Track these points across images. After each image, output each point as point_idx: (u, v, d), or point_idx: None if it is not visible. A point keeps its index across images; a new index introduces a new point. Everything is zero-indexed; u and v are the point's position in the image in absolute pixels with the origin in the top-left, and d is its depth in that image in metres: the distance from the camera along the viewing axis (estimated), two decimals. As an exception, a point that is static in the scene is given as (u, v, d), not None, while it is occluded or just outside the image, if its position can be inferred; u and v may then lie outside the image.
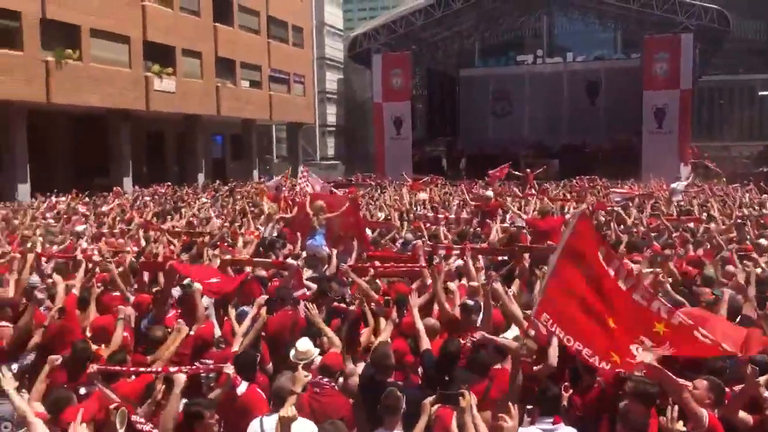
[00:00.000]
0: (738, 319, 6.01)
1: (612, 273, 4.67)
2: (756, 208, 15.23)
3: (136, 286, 7.92)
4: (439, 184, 25.43)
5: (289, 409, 4.10)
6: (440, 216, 13.62)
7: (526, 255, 8.39)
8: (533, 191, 19.58)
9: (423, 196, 18.61)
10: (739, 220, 12.24)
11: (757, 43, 54.08)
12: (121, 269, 7.86)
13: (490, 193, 15.19)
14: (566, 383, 5.28)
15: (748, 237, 10.39)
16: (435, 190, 21.83)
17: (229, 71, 36.27)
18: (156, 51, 30.64)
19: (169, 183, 27.36)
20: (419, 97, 39.41)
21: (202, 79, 33.95)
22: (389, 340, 5.65)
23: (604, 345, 4.58)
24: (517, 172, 22.96)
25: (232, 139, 41.26)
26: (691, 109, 33.52)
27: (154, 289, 7.55)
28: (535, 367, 4.84)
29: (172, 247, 10.02)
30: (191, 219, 14.19)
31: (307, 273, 8.14)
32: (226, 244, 10.00)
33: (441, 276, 6.67)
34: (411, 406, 4.47)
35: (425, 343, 5.49)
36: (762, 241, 9.82)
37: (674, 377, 4.41)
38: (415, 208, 15.59)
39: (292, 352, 5.40)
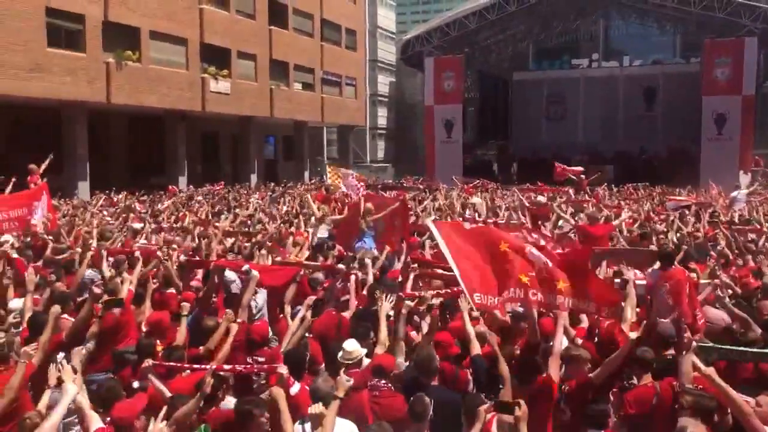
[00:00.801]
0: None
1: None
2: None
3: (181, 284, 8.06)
4: (489, 189, 25.24)
5: (316, 407, 4.12)
6: (489, 221, 13.47)
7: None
8: (586, 197, 19.27)
9: (476, 200, 18.42)
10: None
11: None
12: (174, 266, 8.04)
13: (542, 198, 14.99)
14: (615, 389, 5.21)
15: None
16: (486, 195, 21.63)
17: (282, 73, 36.75)
18: (212, 53, 31.25)
19: (223, 182, 27.86)
20: (471, 100, 39.17)
21: (256, 81, 34.46)
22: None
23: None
24: (573, 176, 22.57)
25: (284, 140, 41.80)
26: (754, 115, 32.37)
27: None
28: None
29: (223, 246, 10.17)
30: (245, 219, 14.42)
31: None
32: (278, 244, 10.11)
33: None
34: (452, 409, 4.44)
35: (476, 348, 5.46)
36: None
37: (734, 392, 4.26)
38: (465, 212, 15.48)
39: (340, 353, 5.44)
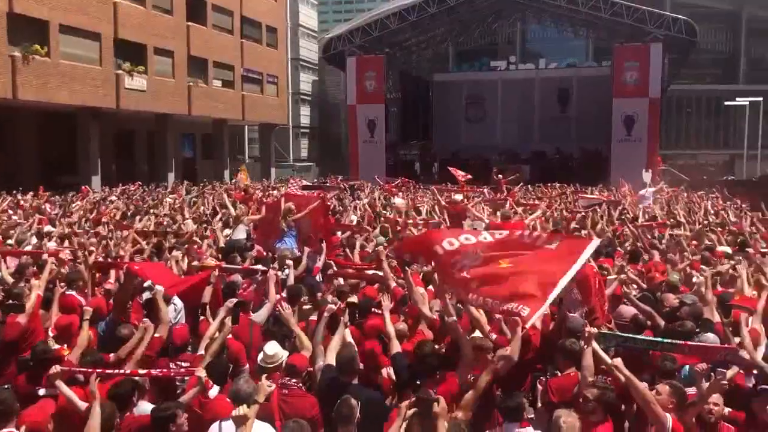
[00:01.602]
0: (699, 323, 6.16)
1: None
2: (714, 216, 15.51)
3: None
4: (411, 188, 25.55)
5: (240, 409, 4.11)
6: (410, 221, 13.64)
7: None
8: (502, 196, 19.75)
9: (398, 201, 18.58)
10: (702, 227, 12.51)
11: (723, 54, 55.27)
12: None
13: (459, 196, 15.29)
14: (541, 377, 5.42)
15: (711, 243, 10.61)
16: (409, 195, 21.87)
17: (201, 70, 36.03)
18: (127, 49, 30.30)
19: (140, 182, 27.05)
20: (393, 100, 39.46)
21: (174, 77, 33.65)
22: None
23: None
24: (499, 176, 23.12)
25: (203, 138, 40.96)
26: (659, 117, 34.01)
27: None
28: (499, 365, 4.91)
29: (138, 247, 9.90)
30: (161, 219, 14.05)
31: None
32: (195, 246, 9.92)
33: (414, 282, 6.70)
34: (373, 407, 4.49)
35: (396, 347, 5.53)
36: (724, 248, 10.04)
37: (638, 381, 4.49)
38: (386, 212, 15.62)
39: (260, 356, 5.40)
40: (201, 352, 5.58)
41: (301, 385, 5.07)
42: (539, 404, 5.64)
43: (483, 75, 43.78)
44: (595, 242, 5.58)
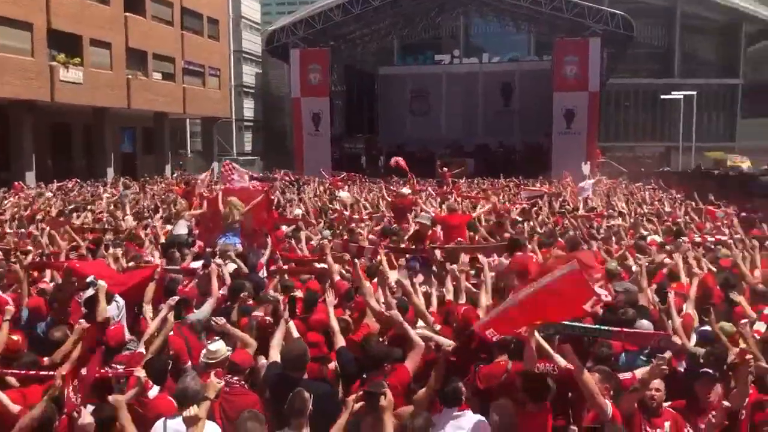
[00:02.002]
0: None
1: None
2: (650, 205, 16.03)
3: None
4: (357, 181, 25.53)
5: (192, 409, 4.04)
6: (355, 216, 13.64)
7: (437, 251, 8.53)
8: (448, 189, 19.96)
9: (343, 194, 18.54)
10: (639, 217, 12.91)
11: (658, 49, 56.99)
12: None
13: (406, 190, 15.36)
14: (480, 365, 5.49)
15: (646, 233, 10.94)
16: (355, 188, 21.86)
17: (140, 63, 35.14)
18: (62, 40, 29.30)
19: (77, 179, 26.19)
20: (338, 93, 39.34)
21: (112, 70, 32.72)
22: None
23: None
24: (444, 169, 23.34)
25: (144, 132, 39.97)
26: (598, 110, 34.86)
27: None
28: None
29: (74, 244, 9.59)
30: (100, 216, 13.67)
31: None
32: (134, 243, 9.68)
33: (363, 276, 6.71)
34: (326, 401, 4.48)
35: (340, 341, 5.53)
36: (654, 236, 10.37)
37: (585, 372, 4.59)
38: (332, 206, 15.58)
39: (203, 352, 5.32)
40: (141, 349, 5.46)
41: (243, 382, 5.02)
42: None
43: (427, 69, 44.06)
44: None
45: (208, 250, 8.75)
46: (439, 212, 12.52)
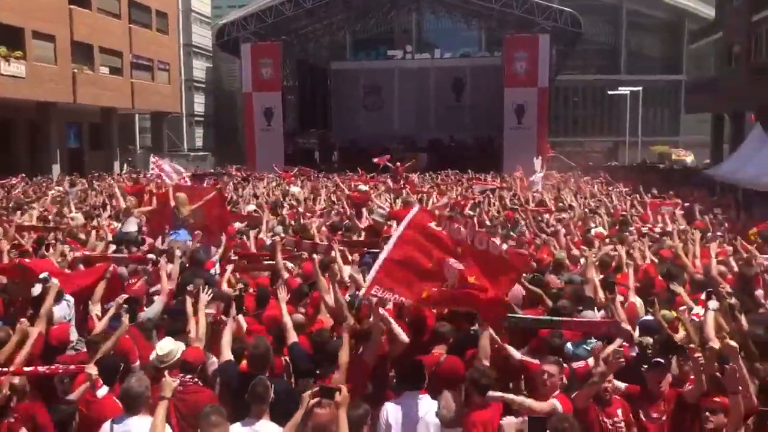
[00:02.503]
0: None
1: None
2: (598, 199, 16.43)
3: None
4: (312, 177, 25.46)
5: (161, 413, 4.01)
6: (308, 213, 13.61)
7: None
8: (402, 184, 20.08)
9: (294, 189, 18.49)
10: (587, 211, 13.23)
11: (606, 46, 58.30)
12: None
13: (363, 186, 15.40)
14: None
15: (594, 226, 11.23)
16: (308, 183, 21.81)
17: (86, 56, 34.22)
18: (2, 32, 28.28)
19: (23, 174, 25.39)
20: (290, 88, 39.03)
21: (56, 63, 31.78)
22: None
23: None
24: (389, 164, 23.45)
25: (91, 128, 38.94)
26: (548, 106, 35.44)
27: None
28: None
29: (16, 242, 9.34)
30: (45, 214, 13.31)
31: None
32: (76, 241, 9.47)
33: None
34: (286, 397, 4.49)
35: (292, 336, 5.53)
36: (600, 229, 10.66)
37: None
38: (285, 201, 15.50)
39: (153, 355, 5.24)
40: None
41: (197, 380, 4.97)
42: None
43: (380, 64, 44.10)
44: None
45: (157, 246, 8.62)
46: (394, 207, 12.62)
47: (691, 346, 4.80)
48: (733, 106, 31.49)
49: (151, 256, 7.61)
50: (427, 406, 4.70)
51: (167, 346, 5.21)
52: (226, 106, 59.12)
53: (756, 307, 6.22)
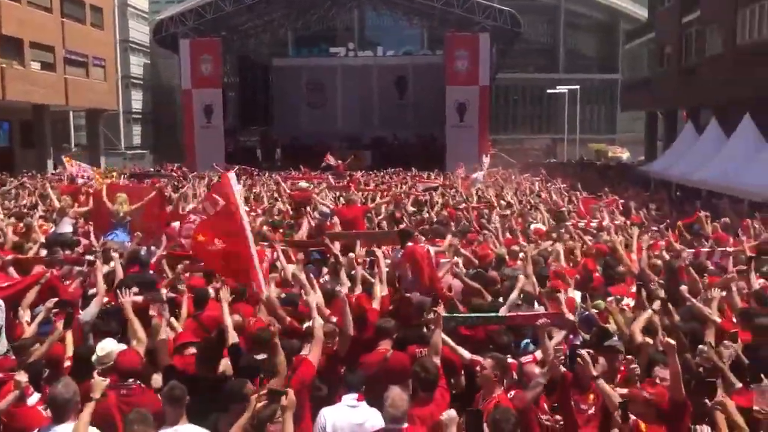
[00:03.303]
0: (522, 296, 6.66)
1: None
2: (537, 196, 16.80)
3: None
4: (253, 175, 25.16)
5: (85, 415, 3.90)
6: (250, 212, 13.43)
7: (336, 243, 8.56)
8: (345, 182, 20.07)
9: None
10: (527, 207, 13.50)
11: (545, 45, 59.60)
12: None
13: (304, 183, 15.31)
14: None
15: (534, 222, 11.47)
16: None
17: (15, 51, 32.88)
18: (-76, 25, 27.03)
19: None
20: (231, 85, 38.46)
21: (-17, 58, 30.52)
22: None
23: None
24: (330, 163, 23.38)
25: (22, 125, 37.46)
26: (489, 104, 35.93)
27: None
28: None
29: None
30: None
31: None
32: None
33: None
34: (235, 397, 4.43)
35: (233, 337, 5.46)
36: (539, 224, 10.89)
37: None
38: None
39: (94, 357, 5.10)
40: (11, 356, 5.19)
41: (139, 382, 4.85)
42: None
43: (322, 61, 43.92)
44: None
45: (95, 247, 8.38)
46: (337, 205, 12.61)
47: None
48: (666, 104, 32.62)
49: (88, 257, 7.38)
50: (365, 413, 4.69)
51: (108, 347, 5.09)
52: (165, 103, 57.86)
53: (683, 301, 6.46)
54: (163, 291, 6.65)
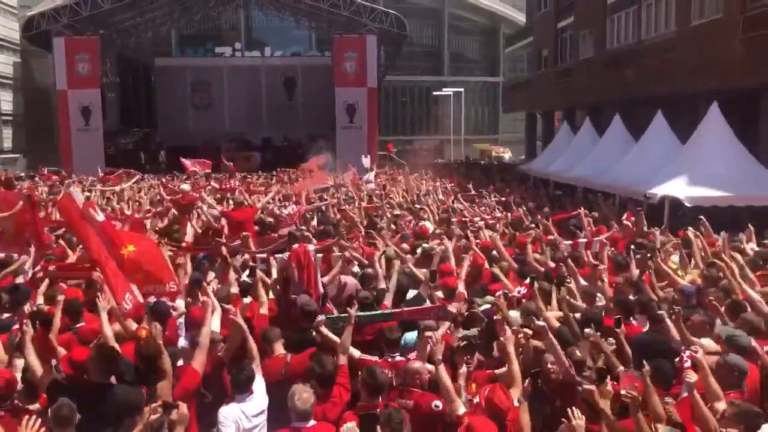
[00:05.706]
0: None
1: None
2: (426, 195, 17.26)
3: None
4: (136, 178, 24.17)
5: None
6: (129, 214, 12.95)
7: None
8: (236, 183, 19.75)
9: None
10: (416, 206, 13.82)
11: (431, 48, 61.05)
12: None
13: (186, 186, 14.91)
14: None
15: (423, 220, 11.77)
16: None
17: None
18: None
19: None
20: (111, 85, 36.75)
21: None
22: None
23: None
24: (225, 162, 22.92)
25: None
26: (378, 105, 36.38)
27: None
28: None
29: None
30: None
31: None
32: None
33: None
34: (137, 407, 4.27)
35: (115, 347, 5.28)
36: (427, 223, 11.22)
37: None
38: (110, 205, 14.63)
39: None
40: None
41: (14, 401, 4.58)
42: None
43: (208, 61, 42.98)
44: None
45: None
46: (225, 207, 12.41)
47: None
48: (544, 105, 34.27)
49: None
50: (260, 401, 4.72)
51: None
52: (39, 104, 54.38)
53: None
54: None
